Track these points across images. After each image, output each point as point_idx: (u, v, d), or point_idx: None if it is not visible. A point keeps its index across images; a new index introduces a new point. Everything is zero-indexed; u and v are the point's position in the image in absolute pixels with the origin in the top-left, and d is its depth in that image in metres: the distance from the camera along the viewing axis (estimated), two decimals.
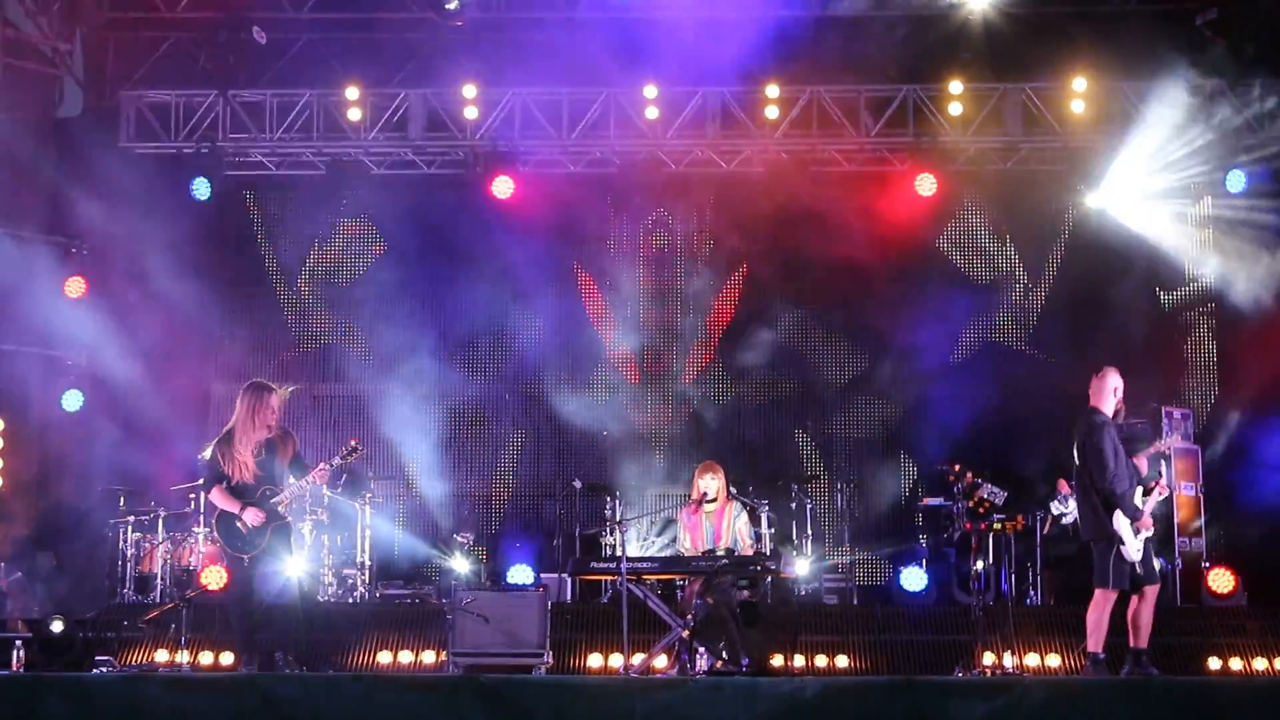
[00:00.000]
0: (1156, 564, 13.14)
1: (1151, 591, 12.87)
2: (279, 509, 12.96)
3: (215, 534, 13.10)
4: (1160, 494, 13.15)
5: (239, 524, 12.82)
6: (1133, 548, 12.73)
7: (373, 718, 10.77)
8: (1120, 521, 12.74)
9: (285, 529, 13.08)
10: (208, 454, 13.12)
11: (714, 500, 14.45)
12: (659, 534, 17.03)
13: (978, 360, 20.01)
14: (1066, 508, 15.93)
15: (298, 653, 13.03)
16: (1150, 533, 12.81)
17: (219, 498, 12.95)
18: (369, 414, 20.10)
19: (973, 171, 19.49)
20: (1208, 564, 17.01)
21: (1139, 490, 12.87)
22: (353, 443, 13.51)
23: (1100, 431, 12.89)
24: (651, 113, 19.20)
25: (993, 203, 20.11)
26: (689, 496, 14.74)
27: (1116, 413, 13.00)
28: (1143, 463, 13.47)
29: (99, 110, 19.57)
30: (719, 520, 14.47)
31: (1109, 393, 13.02)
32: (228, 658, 14.40)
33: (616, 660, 14.50)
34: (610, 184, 20.17)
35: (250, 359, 20.23)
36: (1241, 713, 10.72)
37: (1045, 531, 16.29)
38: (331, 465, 13.33)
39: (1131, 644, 12.85)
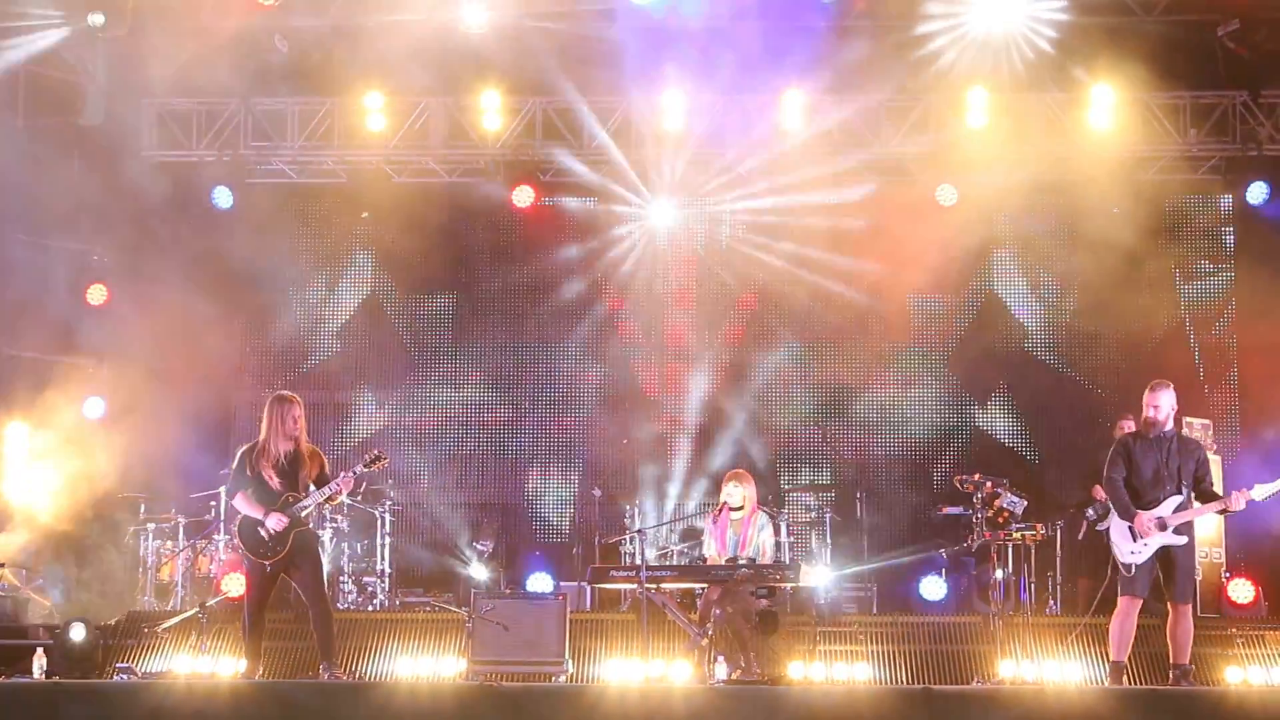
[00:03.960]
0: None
1: (1175, 610, 12.70)
2: (302, 515, 12.97)
3: (238, 539, 13.12)
4: (1234, 506, 12.92)
5: (261, 530, 12.86)
6: (1123, 550, 12.67)
7: None
8: (1113, 524, 12.77)
9: (307, 535, 13.10)
10: (235, 462, 13.20)
11: (740, 509, 14.45)
12: (678, 543, 17.02)
13: (999, 371, 19.98)
14: (1101, 514, 15.89)
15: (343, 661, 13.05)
16: (1160, 542, 12.58)
17: (243, 503, 13.02)
18: (388, 422, 20.14)
19: (996, 181, 19.42)
20: (1228, 574, 16.88)
21: (1171, 500, 12.77)
22: (375, 451, 13.51)
23: (1114, 446, 13.00)
24: (673, 121, 19.21)
25: (1017, 213, 20.04)
26: (717, 502, 14.75)
27: (1150, 425, 12.88)
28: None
29: (121, 118, 19.60)
30: (744, 529, 14.46)
31: (1142, 407, 12.99)
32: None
33: (636, 668, 14.51)
34: (630, 191, 20.15)
35: (270, 366, 20.30)
36: None
37: (1080, 537, 16.19)
38: (355, 473, 13.34)
39: (1171, 660, 12.82)
